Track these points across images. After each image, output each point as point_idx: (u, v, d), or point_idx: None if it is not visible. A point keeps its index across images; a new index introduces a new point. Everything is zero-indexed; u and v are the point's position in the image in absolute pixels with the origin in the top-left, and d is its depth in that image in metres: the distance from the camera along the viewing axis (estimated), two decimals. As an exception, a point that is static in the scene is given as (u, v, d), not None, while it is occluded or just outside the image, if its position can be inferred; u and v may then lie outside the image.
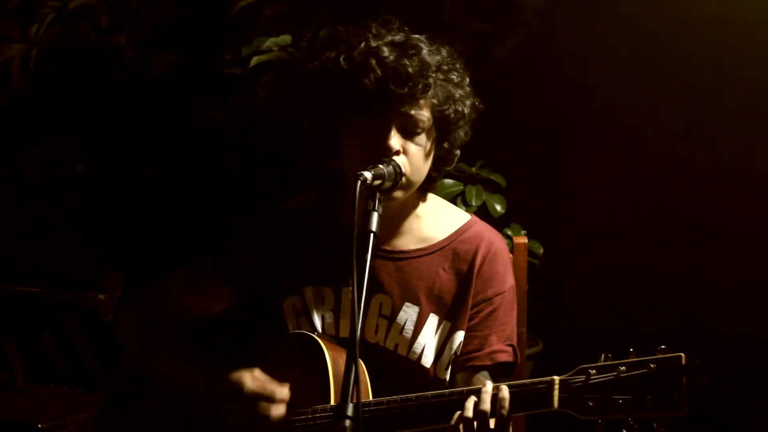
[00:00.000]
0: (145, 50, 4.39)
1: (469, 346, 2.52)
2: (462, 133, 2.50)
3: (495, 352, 2.51)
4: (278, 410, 2.41)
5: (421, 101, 2.41)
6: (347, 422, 2.01)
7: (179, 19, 4.37)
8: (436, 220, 2.58)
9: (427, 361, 2.51)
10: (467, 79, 2.50)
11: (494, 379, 2.49)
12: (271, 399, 2.41)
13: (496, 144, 3.69)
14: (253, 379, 2.43)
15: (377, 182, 2.30)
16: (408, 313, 2.52)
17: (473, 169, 3.66)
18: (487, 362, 2.51)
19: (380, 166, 2.33)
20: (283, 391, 2.42)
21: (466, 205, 3.56)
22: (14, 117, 4.64)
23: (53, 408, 3.60)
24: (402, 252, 2.55)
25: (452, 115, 2.45)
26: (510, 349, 2.54)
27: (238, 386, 2.43)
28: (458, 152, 2.53)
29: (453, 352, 2.51)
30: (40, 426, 3.39)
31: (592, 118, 4.15)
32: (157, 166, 4.43)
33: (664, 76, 4.00)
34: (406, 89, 2.38)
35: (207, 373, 2.49)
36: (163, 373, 2.57)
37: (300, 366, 2.43)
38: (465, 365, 2.51)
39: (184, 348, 2.56)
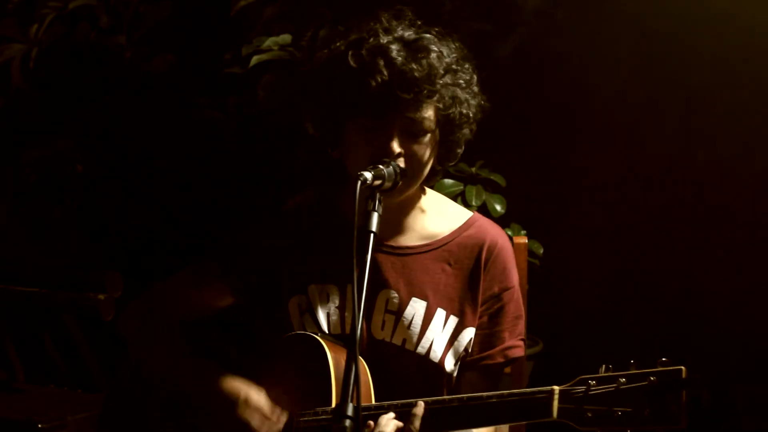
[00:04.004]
0: (145, 50, 4.39)
1: (482, 344, 2.52)
2: (467, 131, 2.50)
3: (509, 348, 2.52)
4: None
5: (425, 104, 2.41)
6: (347, 422, 2.01)
7: (179, 19, 4.37)
8: (440, 216, 2.58)
9: (436, 355, 2.50)
10: (475, 78, 2.49)
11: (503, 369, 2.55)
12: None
13: (496, 144, 3.68)
14: (258, 394, 2.44)
15: (377, 182, 2.30)
16: (415, 308, 2.51)
17: (473, 169, 3.66)
18: (500, 360, 2.52)
19: (380, 166, 2.33)
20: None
21: (466, 206, 3.55)
22: (14, 117, 4.64)
23: (53, 408, 3.60)
24: (408, 248, 2.55)
25: (457, 117, 2.44)
26: (522, 343, 2.55)
27: (243, 398, 2.43)
28: (461, 150, 2.53)
29: (463, 348, 2.51)
30: (40, 426, 3.39)
31: (592, 118, 4.15)
32: (157, 166, 4.43)
33: (664, 76, 4.00)
34: (412, 95, 2.37)
35: (208, 375, 2.49)
36: (163, 372, 2.56)
37: (303, 367, 2.43)
38: (478, 364, 2.52)
39: (186, 348, 2.56)
